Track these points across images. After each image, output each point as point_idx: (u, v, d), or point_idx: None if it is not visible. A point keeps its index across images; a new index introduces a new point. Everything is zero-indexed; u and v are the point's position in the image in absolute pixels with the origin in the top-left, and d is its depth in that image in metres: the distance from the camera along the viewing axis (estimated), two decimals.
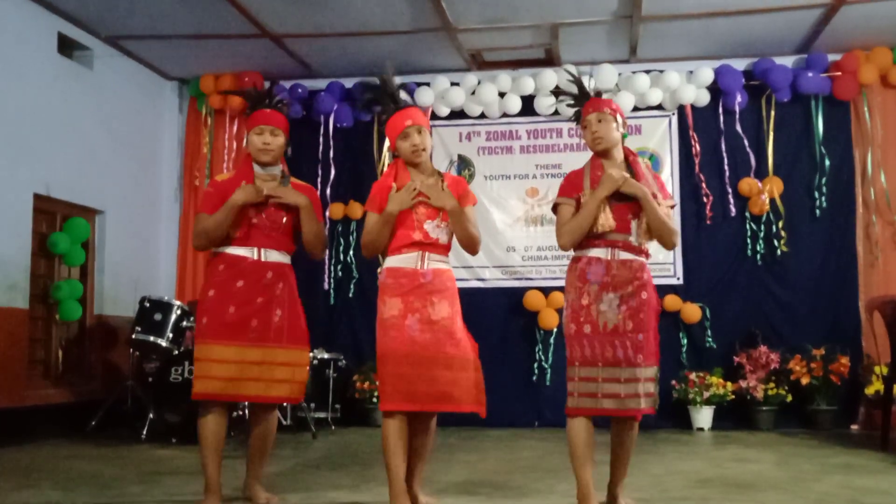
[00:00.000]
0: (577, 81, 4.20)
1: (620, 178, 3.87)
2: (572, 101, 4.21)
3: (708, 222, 8.51)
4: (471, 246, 4.10)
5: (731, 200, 8.52)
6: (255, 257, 4.10)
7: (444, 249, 4.08)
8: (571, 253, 4.08)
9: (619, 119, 4.03)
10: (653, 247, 4.10)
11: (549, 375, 8.52)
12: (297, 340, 4.18)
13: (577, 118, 4.16)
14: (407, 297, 3.92)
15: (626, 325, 3.88)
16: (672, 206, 4.10)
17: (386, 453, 3.88)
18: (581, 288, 3.94)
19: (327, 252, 8.98)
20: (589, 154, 4.15)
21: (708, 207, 8.51)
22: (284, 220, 4.16)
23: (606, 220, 3.88)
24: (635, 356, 3.87)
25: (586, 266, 3.95)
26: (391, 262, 4.02)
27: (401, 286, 3.95)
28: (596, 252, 3.94)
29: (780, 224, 8.37)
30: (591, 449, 3.91)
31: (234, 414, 6.36)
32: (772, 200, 8.38)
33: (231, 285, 4.05)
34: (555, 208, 4.11)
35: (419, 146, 4.03)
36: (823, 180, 8.38)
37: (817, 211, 8.38)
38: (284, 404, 7.32)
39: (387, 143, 8.76)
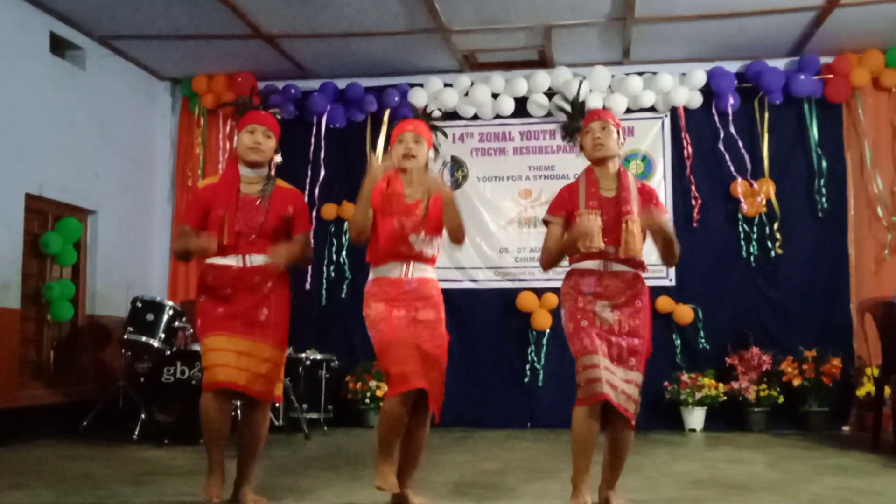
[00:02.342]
0: (574, 103, 4.28)
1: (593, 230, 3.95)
2: (567, 120, 4.27)
3: (695, 224, 8.53)
4: (460, 234, 4.11)
5: (724, 202, 8.54)
6: (240, 265, 4.10)
7: (430, 261, 4.13)
8: (566, 265, 4.14)
9: (620, 133, 4.12)
10: (646, 247, 4.10)
11: (541, 377, 8.52)
12: (280, 341, 4.19)
13: (570, 135, 4.22)
14: (392, 302, 4.00)
15: (623, 327, 3.94)
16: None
17: (385, 427, 3.89)
18: (576, 295, 4.01)
19: (320, 251, 8.98)
20: (581, 163, 4.20)
21: (696, 210, 8.53)
22: (262, 221, 4.10)
23: (594, 240, 3.92)
24: (629, 358, 3.92)
25: (580, 278, 4.01)
26: (376, 272, 4.09)
27: (386, 293, 4.03)
28: (588, 264, 4.00)
29: (776, 226, 8.39)
30: (594, 442, 3.92)
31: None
32: (767, 202, 8.40)
33: (220, 291, 4.10)
34: (545, 222, 4.19)
35: (410, 151, 4.09)
36: (816, 183, 8.40)
37: (810, 213, 8.41)
38: (277, 405, 7.31)
39: (379, 146, 8.76)
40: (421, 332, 3.96)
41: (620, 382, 3.87)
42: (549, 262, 4.12)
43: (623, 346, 3.91)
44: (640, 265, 4.05)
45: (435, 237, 4.11)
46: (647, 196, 4.10)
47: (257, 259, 4.11)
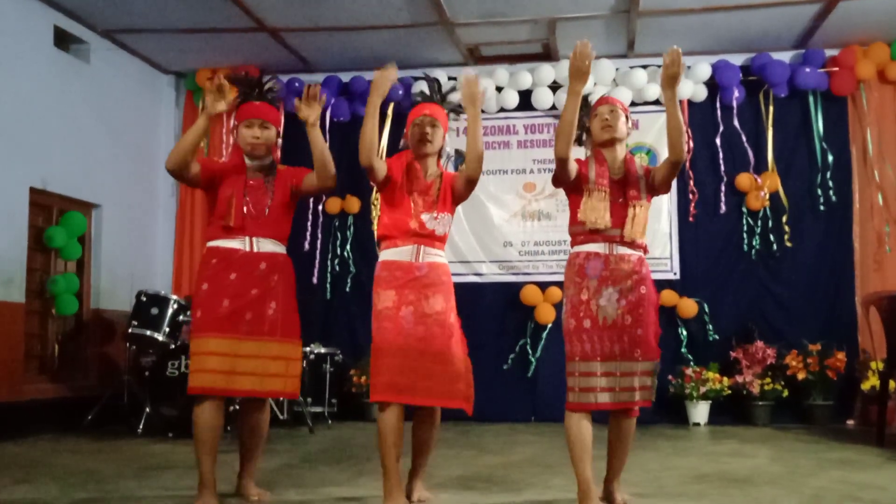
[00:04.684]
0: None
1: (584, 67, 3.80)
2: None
3: (691, 219, 8.53)
4: (479, 161, 4.06)
5: (728, 196, 8.53)
6: (248, 248, 4.07)
7: (440, 242, 4.10)
8: (570, 248, 4.12)
9: (628, 119, 4.11)
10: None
11: (545, 370, 8.52)
12: (291, 334, 4.14)
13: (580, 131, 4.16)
14: (402, 290, 3.96)
15: (626, 320, 3.91)
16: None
17: (382, 447, 3.89)
18: (580, 283, 3.96)
19: (324, 245, 8.98)
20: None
21: (693, 204, 8.53)
22: (269, 202, 4.13)
23: (602, 217, 3.93)
24: (633, 351, 3.90)
25: (584, 261, 3.97)
26: (386, 255, 4.05)
27: (395, 279, 3.98)
28: (594, 247, 3.98)
29: (785, 219, 8.37)
30: (590, 445, 3.92)
31: (230, 408, 6.36)
32: (771, 196, 8.39)
33: (224, 278, 4.03)
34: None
35: (428, 135, 4.08)
36: (820, 176, 8.38)
37: (815, 207, 8.39)
38: (281, 399, 7.32)
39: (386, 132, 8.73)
40: (431, 328, 3.93)
41: (619, 380, 3.87)
42: (560, 136, 3.83)
43: (626, 341, 3.90)
44: (643, 248, 4.05)
45: (446, 214, 4.11)
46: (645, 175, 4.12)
47: (265, 244, 4.11)
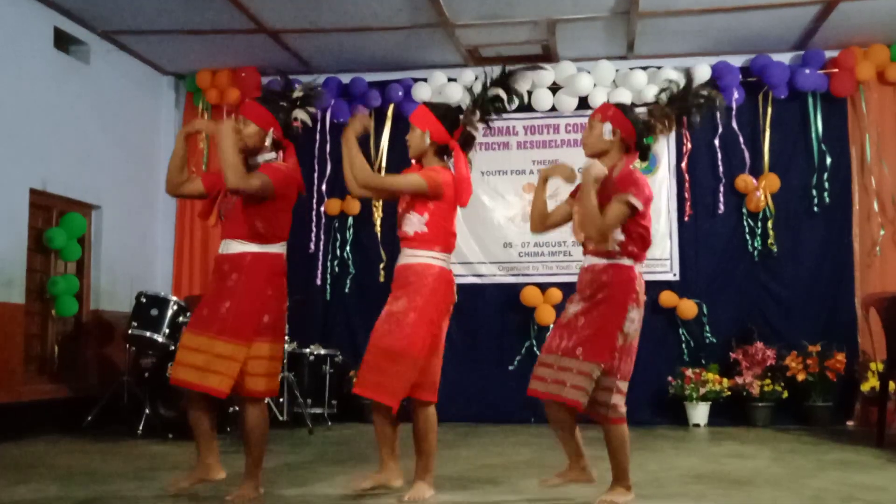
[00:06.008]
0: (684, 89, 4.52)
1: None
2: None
3: (686, 219, 8.54)
4: (354, 182, 4.43)
5: (727, 197, 8.52)
6: (220, 251, 4.21)
7: (416, 241, 4.22)
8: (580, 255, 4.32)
9: (609, 126, 4.11)
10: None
11: None
12: (239, 335, 4.03)
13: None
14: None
15: (578, 321, 4.00)
16: (627, 202, 3.93)
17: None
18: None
19: (324, 247, 8.99)
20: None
21: (688, 205, 8.53)
22: (234, 201, 4.15)
23: (574, 230, 4.18)
24: (575, 348, 3.92)
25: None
26: None
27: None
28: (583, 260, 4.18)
29: (770, 222, 8.37)
30: (555, 429, 4.12)
31: (230, 409, 6.37)
32: (769, 197, 8.39)
33: (210, 281, 4.29)
34: None
35: (407, 141, 4.43)
36: (819, 177, 8.39)
37: (814, 208, 8.39)
38: (281, 400, 7.33)
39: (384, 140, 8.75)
40: (388, 324, 4.12)
41: (558, 373, 3.92)
42: (531, 221, 4.40)
43: (573, 338, 3.95)
44: (618, 253, 3.96)
45: (411, 213, 4.25)
46: (621, 182, 3.98)
47: (232, 245, 4.14)
